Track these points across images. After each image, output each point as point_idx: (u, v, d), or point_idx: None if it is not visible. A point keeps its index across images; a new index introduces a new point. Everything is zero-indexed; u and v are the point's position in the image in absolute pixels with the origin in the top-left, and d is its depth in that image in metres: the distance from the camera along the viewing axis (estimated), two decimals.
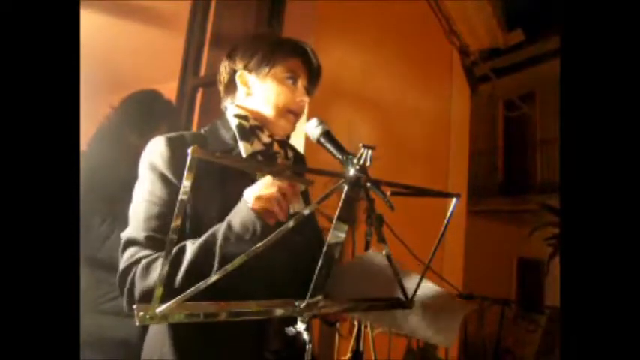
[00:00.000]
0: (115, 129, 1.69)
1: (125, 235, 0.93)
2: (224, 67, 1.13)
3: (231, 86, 1.12)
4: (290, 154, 1.12)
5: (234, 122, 1.06)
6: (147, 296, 0.85)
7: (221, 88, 1.14)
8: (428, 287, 1.00)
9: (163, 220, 0.92)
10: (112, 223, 1.53)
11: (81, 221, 1.46)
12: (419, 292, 0.93)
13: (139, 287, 0.86)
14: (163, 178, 0.95)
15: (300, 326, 0.71)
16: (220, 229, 0.87)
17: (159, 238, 0.90)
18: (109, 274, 1.45)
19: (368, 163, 0.72)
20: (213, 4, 3.06)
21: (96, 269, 1.52)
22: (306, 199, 1.15)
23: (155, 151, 0.97)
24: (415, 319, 0.98)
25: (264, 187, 0.86)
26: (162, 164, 0.95)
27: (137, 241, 0.91)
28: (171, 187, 0.94)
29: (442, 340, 0.96)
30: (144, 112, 1.72)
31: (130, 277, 0.88)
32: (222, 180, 0.96)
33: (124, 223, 0.97)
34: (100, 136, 1.71)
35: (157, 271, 0.84)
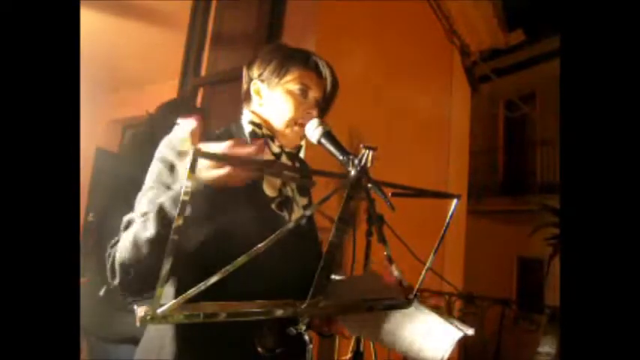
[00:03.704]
0: (150, 134, 1.74)
1: (125, 217, 0.92)
2: (245, 76, 1.15)
3: (248, 95, 1.14)
4: (297, 165, 1.13)
5: (247, 128, 1.08)
6: (123, 251, 0.85)
7: (242, 95, 1.16)
8: (423, 311, 1.00)
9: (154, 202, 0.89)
10: None
11: (109, 222, 1.51)
12: (413, 317, 0.93)
13: (120, 245, 0.86)
14: (171, 166, 0.95)
15: (301, 327, 0.71)
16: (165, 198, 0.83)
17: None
18: None
19: (369, 164, 0.72)
20: (214, 4, 3.06)
21: None
22: (309, 200, 1.15)
23: (168, 145, 0.98)
24: (407, 339, 0.98)
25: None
26: (173, 156, 0.96)
27: (134, 221, 0.89)
28: (168, 167, 0.94)
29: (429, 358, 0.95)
30: (173, 115, 1.76)
31: (113, 249, 0.89)
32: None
33: None
34: (135, 140, 1.81)
35: (132, 229, 0.84)
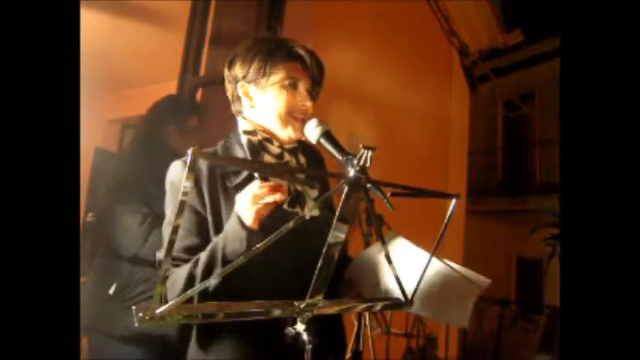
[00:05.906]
0: (146, 130, 1.78)
1: (157, 256, 1.05)
2: (227, 77, 1.11)
3: (237, 97, 1.11)
4: (302, 159, 1.13)
5: (244, 139, 1.07)
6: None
7: (229, 96, 1.13)
8: (439, 267, 1.01)
9: (184, 241, 0.99)
10: (152, 221, 1.58)
11: (122, 221, 1.56)
12: (433, 275, 0.95)
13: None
14: (195, 210, 1.00)
15: (300, 327, 0.71)
16: (218, 245, 0.92)
17: (178, 257, 0.98)
18: (150, 272, 1.56)
19: (368, 164, 0.72)
20: (213, 4, 3.06)
21: (137, 267, 1.59)
22: (327, 201, 1.14)
23: (175, 175, 1.03)
24: (433, 302, 0.99)
25: (252, 196, 0.88)
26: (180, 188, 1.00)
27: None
28: (190, 209, 0.99)
29: (458, 320, 0.99)
30: (170, 111, 1.81)
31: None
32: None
33: (162, 221, 1.06)
34: (135, 139, 1.82)
35: (178, 284, 0.93)
